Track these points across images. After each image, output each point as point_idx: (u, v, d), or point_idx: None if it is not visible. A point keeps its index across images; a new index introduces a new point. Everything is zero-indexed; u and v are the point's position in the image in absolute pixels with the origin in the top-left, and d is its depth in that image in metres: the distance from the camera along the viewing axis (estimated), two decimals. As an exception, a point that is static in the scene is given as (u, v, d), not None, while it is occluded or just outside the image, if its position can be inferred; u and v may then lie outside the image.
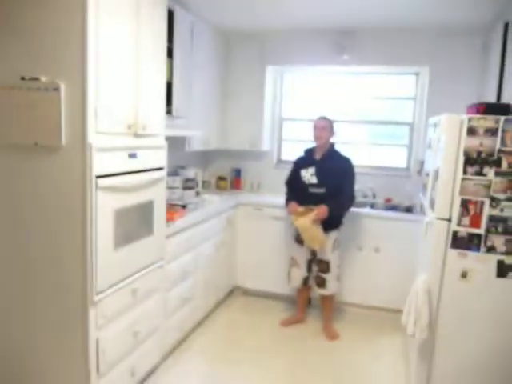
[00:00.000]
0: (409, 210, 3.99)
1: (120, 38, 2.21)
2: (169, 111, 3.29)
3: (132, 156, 2.35)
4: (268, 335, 3.47)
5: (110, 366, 2.31)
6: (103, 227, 2.14)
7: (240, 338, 3.41)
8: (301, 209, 3.33)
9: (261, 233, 4.07)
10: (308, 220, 3.25)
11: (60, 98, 2.01)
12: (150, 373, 2.80)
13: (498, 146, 2.32)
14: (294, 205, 3.40)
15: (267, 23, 3.99)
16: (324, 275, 3.46)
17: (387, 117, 4.46)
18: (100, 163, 2.08)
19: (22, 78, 2.06)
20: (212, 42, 4.06)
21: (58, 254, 2.14)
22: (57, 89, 2.01)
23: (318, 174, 3.38)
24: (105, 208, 2.14)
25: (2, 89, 2.09)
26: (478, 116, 2.36)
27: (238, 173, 4.72)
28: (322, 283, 3.48)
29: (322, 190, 3.34)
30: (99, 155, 2.07)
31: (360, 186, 4.17)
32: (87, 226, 2.07)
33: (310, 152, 3.56)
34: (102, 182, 2.09)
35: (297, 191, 3.49)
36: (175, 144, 3.57)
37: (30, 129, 2.07)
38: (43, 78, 2.03)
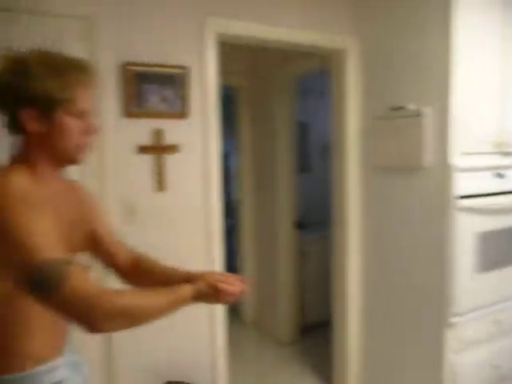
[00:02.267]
0: None
1: (483, 50, 2.13)
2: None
3: (499, 176, 2.19)
4: None
5: (467, 395, 2.21)
6: (464, 249, 2.09)
7: None
8: None
9: None
10: None
11: (422, 123, 2.13)
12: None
13: None
14: None
15: None
16: None
17: None
18: (461, 184, 2.06)
19: (392, 109, 2.30)
20: None
21: (420, 265, 2.23)
22: (419, 114, 2.14)
23: None
24: (466, 229, 2.09)
25: (376, 119, 2.41)
26: None
27: None
28: None
29: None
30: (461, 175, 2.05)
31: None
32: (447, 246, 2.07)
33: None
34: (464, 202, 2.06)
35: None
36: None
37: (397, 152, 2.29)
38: (411, 106, 2.20)
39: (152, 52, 2.05)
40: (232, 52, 3.37)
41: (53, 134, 0.99)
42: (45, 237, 0.90)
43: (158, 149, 2.08)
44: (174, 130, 2.12)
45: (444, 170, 2.06)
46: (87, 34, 1.90)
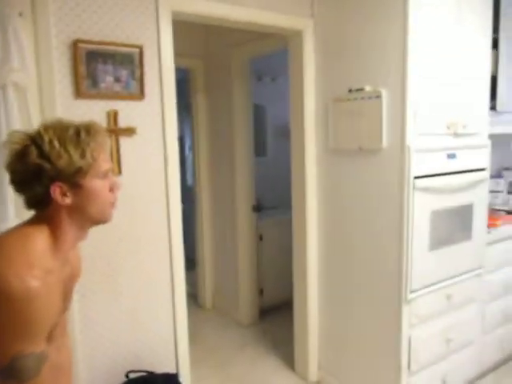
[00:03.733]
0: None
1: (439, 37, 2.18)
2: (493, 106, 3.00)
3: (451, 156, 2.28)
4: None
5: (421, 367, 2.31)
6: (419, 227, 2.17)
7: None
8: None
9: None
10: None
11: (381, 105, 2.16)
12: (464, 386, 2.64)
13: None
14: None
15: None
16: None
17: None
18: (418, 164, 2.12)
19: (350, 90, 2.32)
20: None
21: (378, 244, 2.29)
22: (379, 96, 2.17)
23: None
24: (421, 208, 2.17)
25: (334, 101, 2.42)
26: None
27: None
28: None
29: None
30: (417, 156, 2.11)
31: None
32: (404, 225, 2.14)
33: None
34: (420, 182, 2.13)
35: None
36: (500, 143, 3.22)
37: (355, 135, 2.32)
38: (367, 88, 2.23)
39: (105, 30, 1.94)
40: (186, 32, 3.27)
41: (84, 200, 1.04)
42: (38, 326, 0.95)
43: (112, 131, 1.99)
44: (129, 112, 2.03)
45: (401, 151, 2.11)
46: (32, 9, 1.76)
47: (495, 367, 2.84)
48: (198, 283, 4.03)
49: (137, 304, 2.14)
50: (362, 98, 2.26)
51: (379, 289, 2.30)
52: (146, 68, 2.05)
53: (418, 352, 2.27)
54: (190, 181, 4.72)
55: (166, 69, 2.11)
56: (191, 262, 3.60)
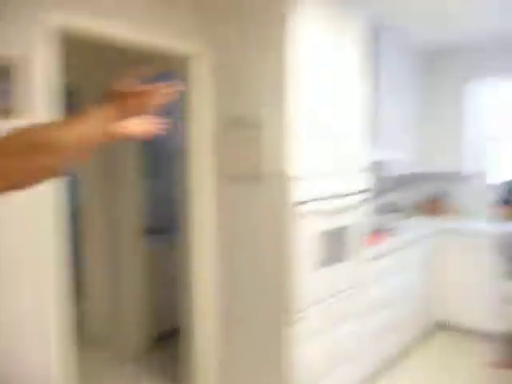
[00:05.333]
0: None
1: (317, 61, 2.33)
2: (374, 134, 3.30)
3: (332, 181, 2.45)
4: (469, 378, 3.08)
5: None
6: (303, 250, 2.28)
7: (436, 379, 3.11)
8: None
9: (467, 262, 3.67)
10: None
11: (260, 134, 2.27)
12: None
13: None
14: None
15: (470, 37, 3.70)
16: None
17: None
18: (300, 190, 2.24)
19: (238, 118, 2.39)
20: (411, 62, 3.95)
21: (266, 268, 2.36)
22: (258, 126, 2.27)
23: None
24: (305, 232, 2.28)
25: (226, 126, 2.46)
26: None
27: (440, 197, 4.39)
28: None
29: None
30: (299, 182, 2.23)
31: None
32: (288, 249, 2.24)
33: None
34: (301, 207, 2.24)
35: None
36: (376, 168, 3.56)
37: (243, 162, 2.39)
38: (251, 116, 2.32)
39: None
40: (77, 49, 3.09)
41: None
42: None
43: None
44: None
45: (284, 178, 2.22)
46: None
47: (374, 377, 3.05)
48: (88, 315, 3.75)
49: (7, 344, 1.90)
50: (245, 126, 2.34)
51: (270, 312, 2.35)
52: (24, 83, 1.89)
53: (304, 370, 2.35)
54: (77, 201, 4.42)
55: (43, 85, 1.95)
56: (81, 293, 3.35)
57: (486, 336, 3.57)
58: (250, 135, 2.31)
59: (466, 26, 3.45)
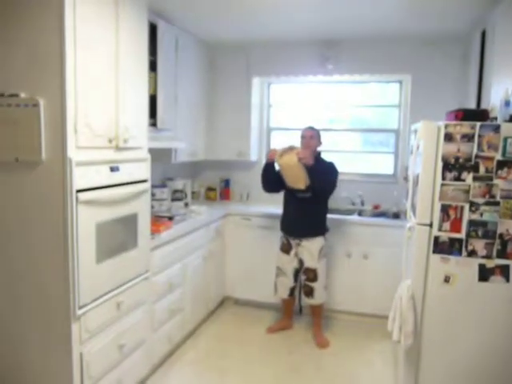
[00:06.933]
0: (396, 216, 4.01)
1: (99, 53, 2.24)
2: (154, 124, 3.31)
3: (114, 169, 2.36)
4: (257, 345, 3.47)
5: (95, 381, 2.30)
6: (85, 241, 2.16)
7: (229, 348, 3.40)
8: (281, 149, 3.32)
9: (249, 242, 4.08)
10: (294, 156, 3.23)
11: (40, 114, 2.04)
12: (139, 386, 2.80)
13: (474, 151, 2.36)
14: (272, 149, 3.51)
15: (252, 35, 4.03)
16: (311, 284, 3.47)
17: (374, 124, 4.52)
18: (80, 177, 2.10)
19: (1, 95, 2.08)
20: (197, 55, 4.11)
21: (41, 267, 2.14)
22: (36, 105, 2.04)
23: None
24: (86, 222, 2.15)
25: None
26: (454, 122, 2.39)
27: (226, 183, 4.74)
28: (309, 292, 3.49)
29: (308, 195, 3.37)
30: (79, 169, 2.09)
31: (348, 193, 4.25)
32: (68, 240, 2.08)
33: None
34: (83, 195, 2.11)
35: (285, 195, 3.59)
36: (163, 156, 3.59)
37: (10, 145, 2.09)
38: (22, 95, 2.06)
39: None
40: None
41: None
42: None
43: None
44: None
45: (63, 164, 2.04)
46: None
47: (164, 360, 3.13)
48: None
49: None
50: (18, 105, 2.07)
51: (48, 309, 2.15)
52: None
53: (90, 367, 2.24)
54: None
55: None
56: None
57: (268, 306, 4.04)
58: (22, 115, 2.05)
59: (250, 25, 3.74)
